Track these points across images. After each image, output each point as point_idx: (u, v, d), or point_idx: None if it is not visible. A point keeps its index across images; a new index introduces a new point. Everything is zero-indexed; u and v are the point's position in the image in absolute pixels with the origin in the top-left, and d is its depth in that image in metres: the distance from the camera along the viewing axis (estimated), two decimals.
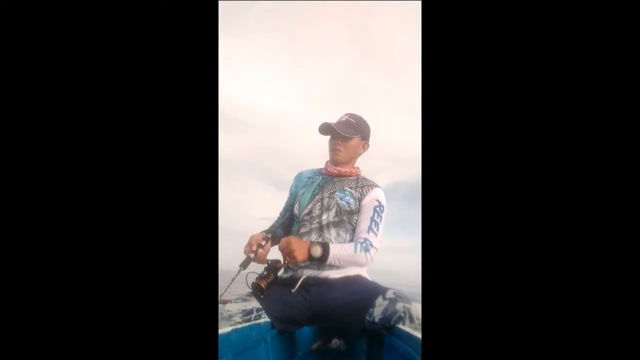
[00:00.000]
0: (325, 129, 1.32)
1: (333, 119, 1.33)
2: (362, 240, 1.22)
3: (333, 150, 1.32)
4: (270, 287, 1.16)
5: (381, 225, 1.27)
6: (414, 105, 28.38)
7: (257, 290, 1.14)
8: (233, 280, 1.12)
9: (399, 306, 1.09)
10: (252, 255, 1.17)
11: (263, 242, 1.19)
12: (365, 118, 1.36)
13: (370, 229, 1.24)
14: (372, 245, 1.22)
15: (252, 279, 1.15)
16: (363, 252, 1.20)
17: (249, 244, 1.20)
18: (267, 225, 1.40)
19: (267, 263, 1.19)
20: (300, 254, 1.12)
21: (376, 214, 1.26)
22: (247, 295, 1.20)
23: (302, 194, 1.35)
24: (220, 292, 1.12)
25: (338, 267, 1.23)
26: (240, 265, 1.16)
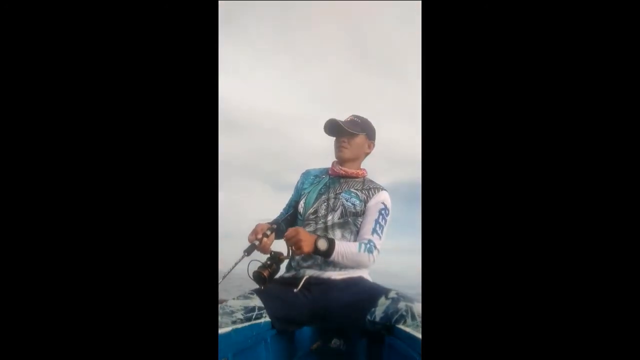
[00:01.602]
0: (330, 125, 1.33)
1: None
2: (366, 241, 1.23)
3: (339, 147, 1.34)
4: (272, 278, 1.15)
5: (385, 229, 1.27)
6: (414, 106, 28.14)
7: (259, 280, 1.13)
8: (236, 264, 1.11)
9: (401, 305, 1.09)
10: (256, 242, 1.15)
11: (268, 232, 1.17)
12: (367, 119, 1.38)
13: (374, 230, 1.24)
14: (375, 247, 1.23)
15: (254, 268, 1.14)
16: (366, 252, 1.21)
17: (254, 232, 1.18)
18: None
19: (270, 254, 1.18)
20: (307, 245, 1.11)
21: (381, 216, 1.27)
22: (249, 293, 1.20)
23: (309, 192, 1.36)
24: (220, 281, 1.11)
25: (340, 268, 1.24)
26: (244, 252, 1.14)
